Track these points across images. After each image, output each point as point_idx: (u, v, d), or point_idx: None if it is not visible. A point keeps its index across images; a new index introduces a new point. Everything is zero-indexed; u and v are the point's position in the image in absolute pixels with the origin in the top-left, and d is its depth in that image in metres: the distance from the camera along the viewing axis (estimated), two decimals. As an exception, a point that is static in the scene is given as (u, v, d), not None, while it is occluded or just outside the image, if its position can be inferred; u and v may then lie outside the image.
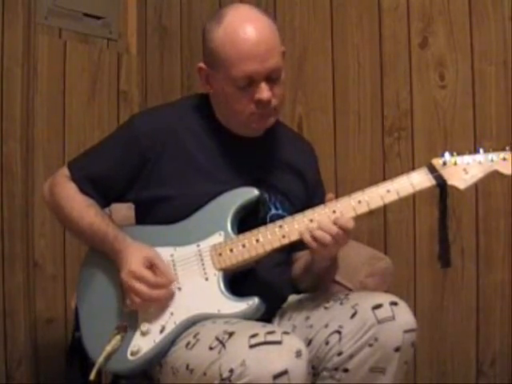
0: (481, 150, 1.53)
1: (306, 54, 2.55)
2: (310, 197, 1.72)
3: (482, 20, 2.24)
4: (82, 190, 1.67)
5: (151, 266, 1.56)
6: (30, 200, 2.41)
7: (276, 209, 1.67)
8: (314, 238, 1.50)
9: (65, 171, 1.72)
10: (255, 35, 1.55)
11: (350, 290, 1.82)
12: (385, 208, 1.53)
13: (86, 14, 2.66)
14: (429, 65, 2.33)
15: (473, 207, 2.26)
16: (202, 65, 1.65)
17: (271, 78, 1.58)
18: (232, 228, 1.59)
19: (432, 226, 2.22)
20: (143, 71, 2.91)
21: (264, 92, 1.57)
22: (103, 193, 1.68)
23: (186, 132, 1.67)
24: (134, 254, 1.57)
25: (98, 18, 2.72)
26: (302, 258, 1.70)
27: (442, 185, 1.52)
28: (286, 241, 1.54)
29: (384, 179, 1.55)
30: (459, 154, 1.53)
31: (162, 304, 1.55)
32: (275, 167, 1.72)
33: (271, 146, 1.74)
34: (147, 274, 1.55)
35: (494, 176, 1.54)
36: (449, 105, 2.31)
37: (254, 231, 1.56)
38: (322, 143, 2.41)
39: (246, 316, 1.51)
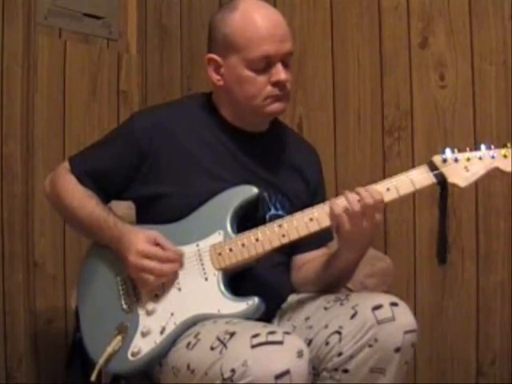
0: (482, 147, 1.51)
1: (306, 54, 2.55)
2: (311, 200, 1.69)
3: (482, 20, 2.24)
4: (82, 184, 1.68)
5: (156, 244, 1.57)
6: (30, 200, 2.40)
7: (276, 209, 1.66)
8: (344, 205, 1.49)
9: (66, 165, 1.73)
10: (273, 18, 1.61)
11: (351, 290, 1.82)
12: (385, 208, 1.52)
13: (86, 14, 2.66)
14: (429, 65, 2.33)
15: (473, 207, 2.26)
16: (211, 55, 1.65)
17: (285, 63, 1.61)
18: (231, 227, 1.58)
19: (432, 226, 2.22)
20: (143, 71, 2.90)
21: (281, 73, 1.59)
22: (102, 188, 1.69)
23: (187, 130, 1.66)
24: (138, 235, 1.58)
25: (98, 17, 2.72)
26: (318, 259, 1.67)
27: (442, 183, 1.51)
28: (285, 240, 1.54)
29: (384, 179, 1.55)
30: (460, 150, 1.52)
31: (171, 278, 1.56)
32: (277, 167, 1.72)
33: (274, 145, 1.74)
34: (156, 249, 1.56)
35: (494, 176, 1.53)
36: (449, 105, 2.31)
37: (254, 230, 1.55)
38: (322, 143, 2.40)
39: (246, 316, 1.50)
